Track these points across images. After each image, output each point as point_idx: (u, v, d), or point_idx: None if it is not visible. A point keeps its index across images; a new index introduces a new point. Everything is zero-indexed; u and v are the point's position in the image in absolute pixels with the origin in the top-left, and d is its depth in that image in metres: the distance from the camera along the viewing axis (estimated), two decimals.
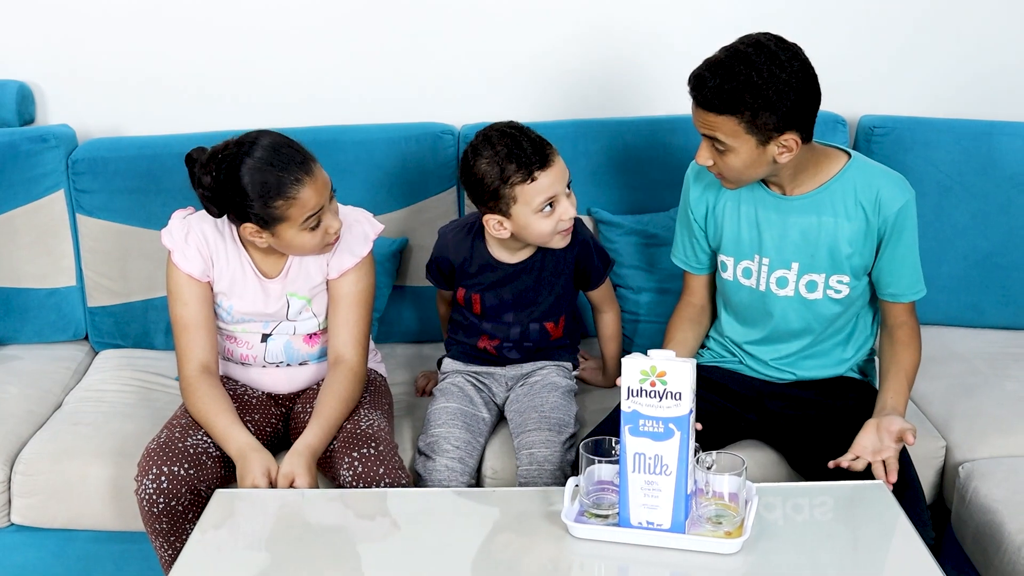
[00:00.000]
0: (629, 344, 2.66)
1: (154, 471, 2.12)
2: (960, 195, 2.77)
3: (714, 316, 2.41)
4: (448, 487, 2.25)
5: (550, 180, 2.22)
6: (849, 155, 2.20)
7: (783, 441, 2.31)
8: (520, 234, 2.28)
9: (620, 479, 1.78)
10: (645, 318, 2.67)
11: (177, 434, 2.19)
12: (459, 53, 2.92)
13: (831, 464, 2.05)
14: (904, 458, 2.14)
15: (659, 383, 1.73)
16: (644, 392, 1.73)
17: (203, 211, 2.31)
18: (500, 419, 2.49)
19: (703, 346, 2.43)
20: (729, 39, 2.06)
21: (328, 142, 2.72)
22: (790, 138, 2.05)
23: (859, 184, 2.16)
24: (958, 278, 2.81)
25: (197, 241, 2.28)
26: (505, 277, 2.41)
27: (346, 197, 2.64)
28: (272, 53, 2.92)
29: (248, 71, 2.93)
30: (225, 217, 2.24)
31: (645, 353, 1.77)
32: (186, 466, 2.13)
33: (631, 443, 1.76)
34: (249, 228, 2.16)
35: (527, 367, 2.50)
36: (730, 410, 2.32)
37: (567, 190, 2.27)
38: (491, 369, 2.50)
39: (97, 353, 2.89)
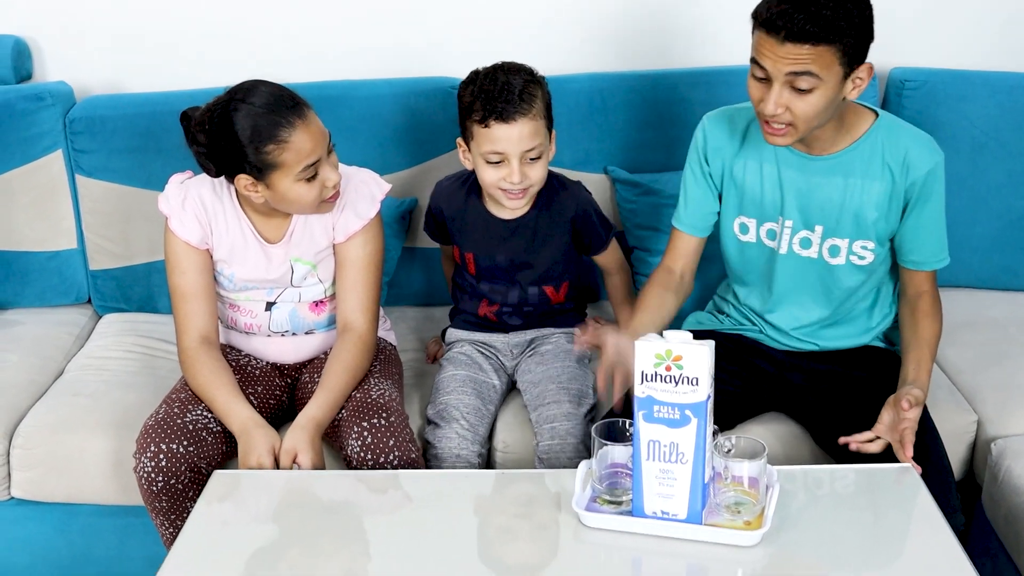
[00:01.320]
0: None
1: (152, 449, 2.05)
2: (995, 152, 2.66)
3: (692, 285, 2.29)
4: (460, 455, 2.18)
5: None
6: (877, 114, 2.09)
7: (806, 415, 2.23)
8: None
9: (633, 467, 1.70)
10: None
11: (176, 410, 2.12)
12: (468, 2, 2.80)
13: (841, 441, 1.97)
14: (932, 437, 2.06)
15: (675, 367, 1.63)
16: (659, 377, 1.64)
17: (201, 175, 2.24)
18: (511, 389, 2.40)
19: (722, 312, 2.34)
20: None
21: (333, 98, 2.64)
22: (864, 69, 1.95)
23: (887, 145, 2.06)
24: (992, 239, 2.70)
25: (194, 207, 2.19)
26: (498, 235, 2.35)
27: (352, 156, 2.57)
28: (275, 5, 2.81)
29: (250, 25, 2.83)
30: (223, 179, 2.17)
31: (660, 334, 1.68)
32: (185, 443, 2.07)
33: (645, 430, 1.67)
34: (244, 180, 2.07)
35: (531, 333, 2.42)
36: (752, 383, 2.24)
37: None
38: (495, 336, 2.43)
39: (100, 317, 2.83)
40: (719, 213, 2.21)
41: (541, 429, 2.20)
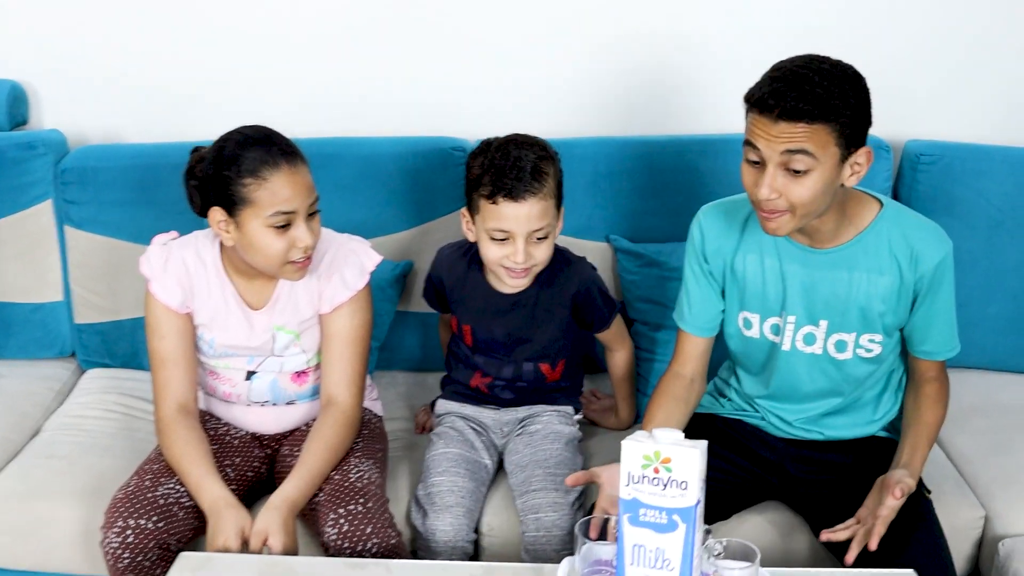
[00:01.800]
0: (644, 384, 2.48)
1: (120, 524, 1.97)
2: (1012, 230, 2.57)
3: (703, 391, 2.20)
4: (455, 546, 2.09)
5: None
6: (881, 203, 2.01)
7: (805, 506, 2.13)
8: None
9: (617, 572, 1.60)
10: (661, 357, 2.48)
11: (147, 482, 2.04)
12: (473, 62, 2.73)
13: (823, 537, 1.90)
14: (935, 532, 1.97)
15: (663, 470, 1.54)
16: (646, 479, 1.55)
17: (186, 237, 2.19)
18: (500, 467, 2.31)
19: (723, 395, 2.25)
20: (765, 57, 1.89)
21: (331, 155, 2.58)
22: (863, 154, 1.87)
23: (893, 236, 1.98)
24: (1007, 319, 2.61)
25: (176, 269, 2.13)
26: (498, 309, 2.27)
27: (348, 215, 2.52)
28: (276, 59, 2.75)
29: (251, 77, 2.77)
30: (208, 242, 2.13)
31: (649, 432, 1.59)
32: (155, 519, 1.98)
33: (630, 534, 1.58)
34: (217, 214, 2.01)
35: (522, 411, 2.33)
36: (750, 471, 2.15)
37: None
38: (485, 411, 2.34)
39: (84, 372, 2.75)
40: (724, 310, 2.12)
41: (527, 519, 2.11)
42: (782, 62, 1.86)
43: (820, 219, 1.94)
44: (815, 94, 1.79)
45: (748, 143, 1.86)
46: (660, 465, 1.54)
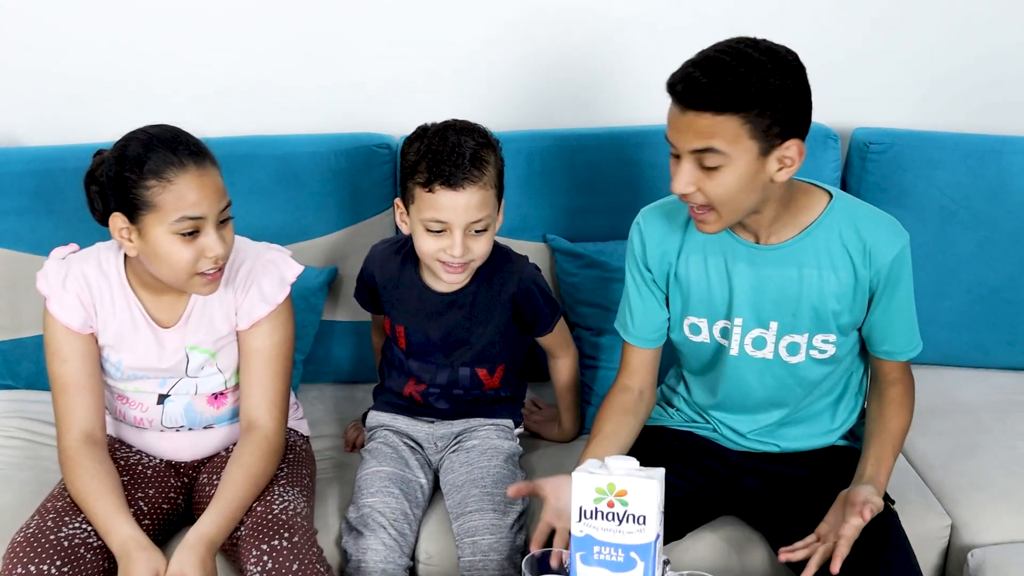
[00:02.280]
0: (588, 393, 2.34)
1: (19, 571, 1.78)
2: (966, 221, 2.48)
3: (653, 402, 2.09)
4: (385, 569, 1.95)
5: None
6: (831, 195, 1.88)
7: (763, 521, 2.02)
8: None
9: None
10: (606, 364, 2.35)
11: (50, 523, 1.86)
12: (395, 53, 2.57)
13: (781, 557, 1.79)
14: (902, 544, 1.86)
15: (618, 503, 1.41)
16: (600, 514, 1.41)
17: (86, 250, 2.02)
18: (436, 487, 2.16)
19: (671, 405, 2.12)
20: (707, 41, 1.76)
21: (245, 156, 2.42)
22: (793, 146, 1.73)
23: (844, 229, 1.85)
24: (962, 314, 2.52)
25: (76, 286, 1.95)
26: (433, 310, 2.13)
27: (266, 220, 2.39)
28: (184, 53, 2.56)
29: (157, 75, 2.57)
30: (110, 254, 1.97)
31: (602, 461, 1.44)
32: (59, 563, 1.80)
33: (584, 573, 1.44)
34: (118, 221, 1.85)
35: (458, 424, 2.19)
36: (704, 486, 2.02)
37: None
38: (419, 424, 2.19)
39: None
40: (669, 318, 2.00)
41: (463, 543, 1.98)
42: (714, 45, 1.74)
43: (759, 214, 1.82)
44: (725, 82, 1.67)
45: (667, 135, 1.76)
46: (615, 498, 1.41)
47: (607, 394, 2.03)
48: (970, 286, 2.50)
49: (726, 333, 1.94)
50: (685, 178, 1.74)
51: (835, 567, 1.72)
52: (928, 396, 2.37)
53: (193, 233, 1.83)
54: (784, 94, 1.69)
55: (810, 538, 1.80)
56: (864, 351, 1.99)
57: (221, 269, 1.90)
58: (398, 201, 2.06)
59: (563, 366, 2.24)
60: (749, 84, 1.67)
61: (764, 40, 1.74)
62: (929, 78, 2.62)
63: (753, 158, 1.71)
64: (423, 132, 2.01)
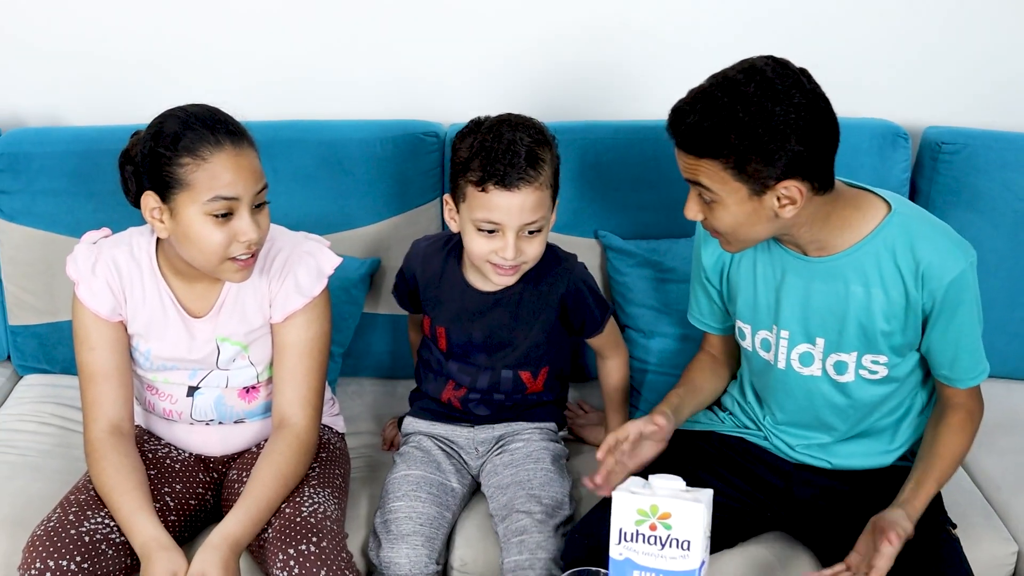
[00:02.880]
0: (636, 398, 2.25)
1: (38, 565, 1.73)
2: None
3: (734, 373, 2.04)
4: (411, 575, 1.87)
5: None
6: (890, 206, 1.76)
7: (815, 538, 1.91)
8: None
9: None
10: (656, 368, 2.26)
11: (71, 517, 1.80)
12: (447, 36, 2.49)
13: None
14: (962, 570, 1.75)
15: (661, 527, 1.31)
16: (641, 537, 1.32)
17: (118, 236, 1.96)
18: (474, 493, 2.08)
19: (724, 408, 2.02)
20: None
21: (288, 141, 2.36)
22: (792, 187, 1.64)
23: (899, 247, 1.74)
24: None
25: (106, 272, 1.90)
26: (477, 309, 2.04)
27: (307, 208, 2.32)
28: (232, 34, 2.50)
29: (203, 53, 2.51)
30: (143, 241, 1.91)
31: (644, 477, 1.35)
32: (79, 559, 1.75)
33: None
34: (150, 200, 1.79)
35: (499, 428, 2.10)
36: (754, 496, 1.93)
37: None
38: (458, 430, 2.11)
39: (20, 378, 2.51)
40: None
41: (509, 543, 1.90)
42: (723, 69, 1.68)
43: (792, 235, 1.75)
44: (705, 127, 1.63)
45: None
46: (658, 521, 1.32)
47: (695, 356, 2.04)
48: None
49: (767, 345, 1.86)
50: (692, 208, 1.75)
51: None
52: (996, 412, 2.24)
53: (226, 215, 1.77)
54: (772, 140, 1.61)
55: (839, 567, 1.69)
56: (928, 380, 1.89)
57: (254, 256, 1.83)
58: (447, 197, 1.98)
59: (613, 367, 2.14)
60: (726, 129, 1.61)
61: (772, 63, 1.64)
62: (1005, 75, 2.50)
63: (744, 198, 1.66)
64: (476, 126, 1.93)
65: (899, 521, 1.68)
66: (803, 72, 1.65)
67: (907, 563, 1.70)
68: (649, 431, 1.77)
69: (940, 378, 1.83)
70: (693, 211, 1.74)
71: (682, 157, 1.69)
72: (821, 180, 1.67)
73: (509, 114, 1.94)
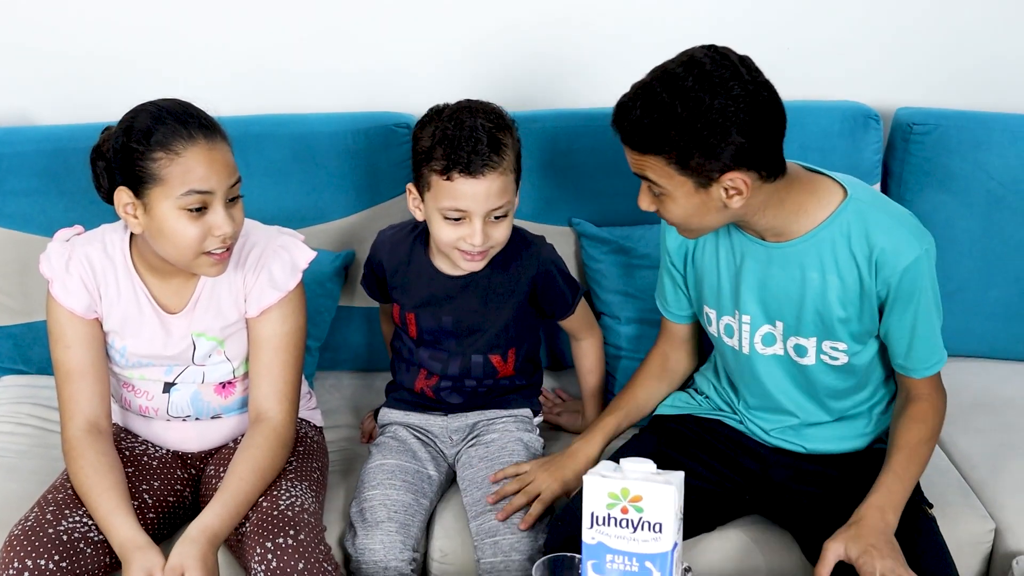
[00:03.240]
0: (612, 383, 2.25)
1: (16, 565, 1.72)
2: (1015, 206, 2.36)
3: (690, 371, 2.08)
4: (388, 566, 1.87)
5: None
6: (846, 191, 1.76)
7: (792, 520, 1.92)
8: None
9: None
10: (629, 353, 2.26)
11: (49, 516, 1.79)
12: (415, 26, 2.48)
13: None
14: (939, 550, 1.76)
15: (633, 510, 1.32)
16: (613, 520, 1.32)
17: (91, 232, 1.96)
18: (452, 480, 2.08)
19: (700, 392, 2.04)
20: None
21: (259, 135, 2.35)
22: (737, 178, 1.64)
23: (854, 233, 1.74)
24: (1009, 304, 2.41)
25: (80, 269, 1.89)
26: (445, 294, 2.05)
27: (280, 202, 2.32)
28: (198, 32, 2.48)
29: (171, 52, 2.50)
30: (116, 237, 1.90)
31: (616, 461, 1.35)
32: (56, 558, 1.74)
33: None
34: (123, 195, 1.78)
35: (473, 416, 2.11)
36: (731, 479, 1.93)
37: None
38: (432, 419, 2.12)
39: None
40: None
41: (482, 543, 1.89)
42: (666, 61, 1.68)
43: (746, 222, 1.76)
44: (645, 124, 1.64)
45: None
46: (629, 504, 1.32)
47: (646, 356, 2.08)
48: (1018, 275, 2.37)
49: (730, 330, 1.87)
50: (644, 200, 1.77)
51: None
52: (971, 391, 2.29)
53: (200, 210, 1.76)
54: (712, 134, 1.61)
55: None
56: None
57: (229, 250, 1.83)
58: (410, 186, 1.98)
59: (587, 348, 2.15)
60: (664, 125, 1.62)
61: (712, 54, 1.64)
62: (975, 55, 2.50)
63: (690, 191, 1.67)
64: (436, 114, 1.93)
65: (878, 561, 1.63)
66: (744, 61, 1.64)
67: None
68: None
69: (897, 368, 1.83)
70: (645, 203, 1.76)
71: (628, 152, 1.71)
72: (769, 168, 1.67)
73: (468, 100, 1.95)
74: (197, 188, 1.75)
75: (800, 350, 1.82)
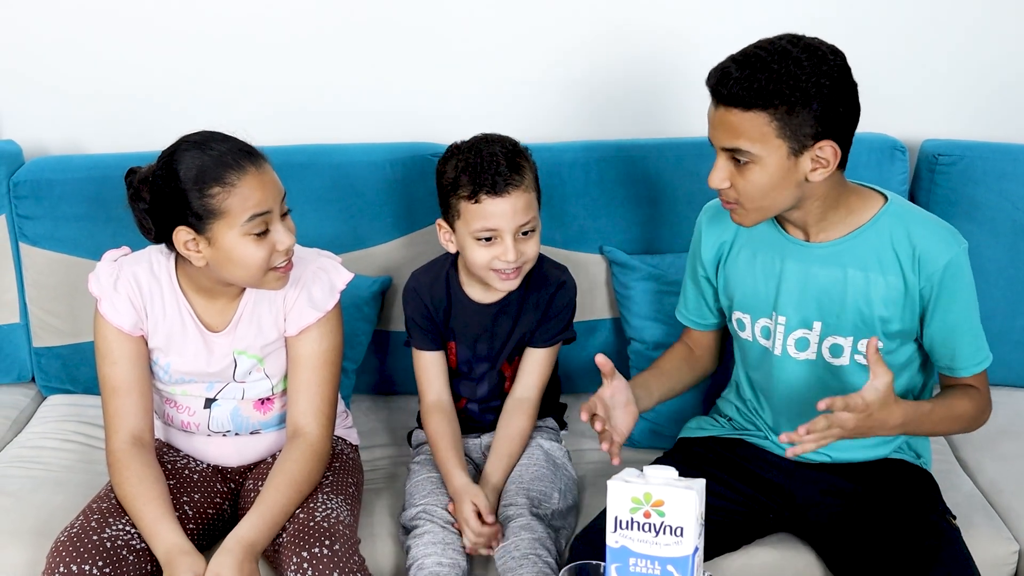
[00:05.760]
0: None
1: (61, 570, 1.79)
2: None
3: (712, 370, 2.13)
4: (441, 563, 1.91)
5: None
6: (886, 198, 1.84)
7: (819, 538, 1.95)
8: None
9: None
10: None
11: (94, 524, 1.86)
12: (450, 63, 2.55)
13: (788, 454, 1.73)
14: (966, 569, 1.77)
15: (655, 514, 1.36)
16: (636, 524, 1.37)
17: (138, 253, 2.02)
18: None
19: (723, 415, 2.07)
20: None
21: (301, 165, 2.41)
22: (827, 147, 1.71)
23: (896, 234, 1.81)
24: None
25: (128, 288, 1.95)
26: (481, 322, 2.12)
27: (320, 229, 2.36)
28: (245, 63, 2.56)
29: (216, 83, 2.58)
30: (162, 258, 1.96)
31: (640, 470, 1.40)
32: (100, 564, 1.80)
33: None
34: (183, 234, 1.84)
35: None
36: (756, 498, 1.96)
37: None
38: (467, 440, 2.18)
39: (44, 398, 2.57)
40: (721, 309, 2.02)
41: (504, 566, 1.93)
42: (753, 43, 1.74)
43: (801, 211, 1.81)
44: (755, 79, 1.67)
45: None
46: (651, 508, 1.36)
47: (671, 346, 2.12)
48: None
49: (767, 333, 1.92)
50: (719, 174, 1.76)
51: (789, 452, 1.71)
52: (999, 418, 2.26)
53: (263, 232, 1.83)
54: (817, 93, 1.68)
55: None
56: (928, 364, 1.93)
57: (291, 261, 1.89)
58: (440, 222, 2.06)
59: (524, 410, 2.11)
60: (778, 80, 1.66)
61: (809, 38, 1.72)
62: (1001, 87, 2.54)
63: (783, 156, 1.71)
64: (456, 149, 2.03)
65: (867, 391, 1.69)
66: (835, 46, 1.73)
67: (909, 548, 1.75)
68: (606, 395, 1.83)
69: (944, 370, 1.87)
70: (719, 178, 1.77)
71: (723, 116, 1.72)
72: (845, 150, 1.74)
73: (482, 133, 2.04)
74: (258, 211, 1.81)
75: (836, 350, 1.86)
